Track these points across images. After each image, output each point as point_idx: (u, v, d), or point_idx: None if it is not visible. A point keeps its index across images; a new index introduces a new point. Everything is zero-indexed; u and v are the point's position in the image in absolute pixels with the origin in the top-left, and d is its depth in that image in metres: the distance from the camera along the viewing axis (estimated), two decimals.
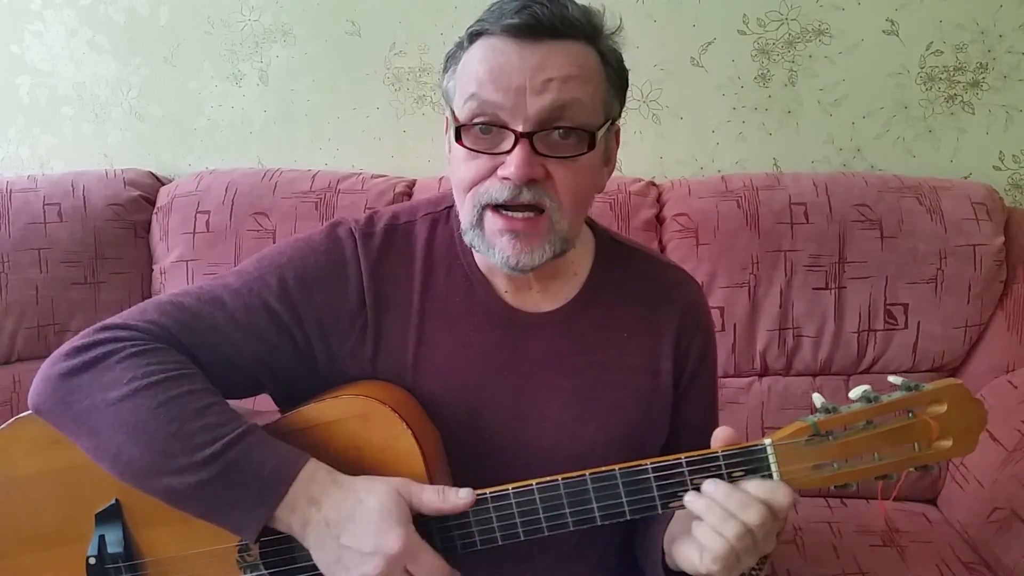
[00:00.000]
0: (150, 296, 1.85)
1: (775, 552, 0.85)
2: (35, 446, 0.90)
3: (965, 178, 1.85)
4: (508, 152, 0.84)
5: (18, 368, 1.80)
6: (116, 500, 0.90)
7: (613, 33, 0.91)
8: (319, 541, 0.82)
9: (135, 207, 1.87)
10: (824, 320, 1.68)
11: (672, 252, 1.70)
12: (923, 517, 1.57)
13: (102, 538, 0.89)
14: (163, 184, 1.94)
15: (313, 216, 1.77)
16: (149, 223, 1.88)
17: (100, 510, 0.90)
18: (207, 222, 1.79)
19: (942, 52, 1.82)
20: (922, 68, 1.83)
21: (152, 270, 1.87)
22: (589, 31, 0.87)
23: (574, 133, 0.86)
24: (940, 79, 1.83)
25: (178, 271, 1.80)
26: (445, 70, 0.92)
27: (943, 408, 0.82)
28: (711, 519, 0.79)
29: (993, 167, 1.87)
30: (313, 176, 1.85)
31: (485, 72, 0.84)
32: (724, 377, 1.72)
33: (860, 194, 1.69)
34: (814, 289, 1.68)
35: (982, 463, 1.51)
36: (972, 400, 0.83)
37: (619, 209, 1.73)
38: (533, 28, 0.83)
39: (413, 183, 1.86)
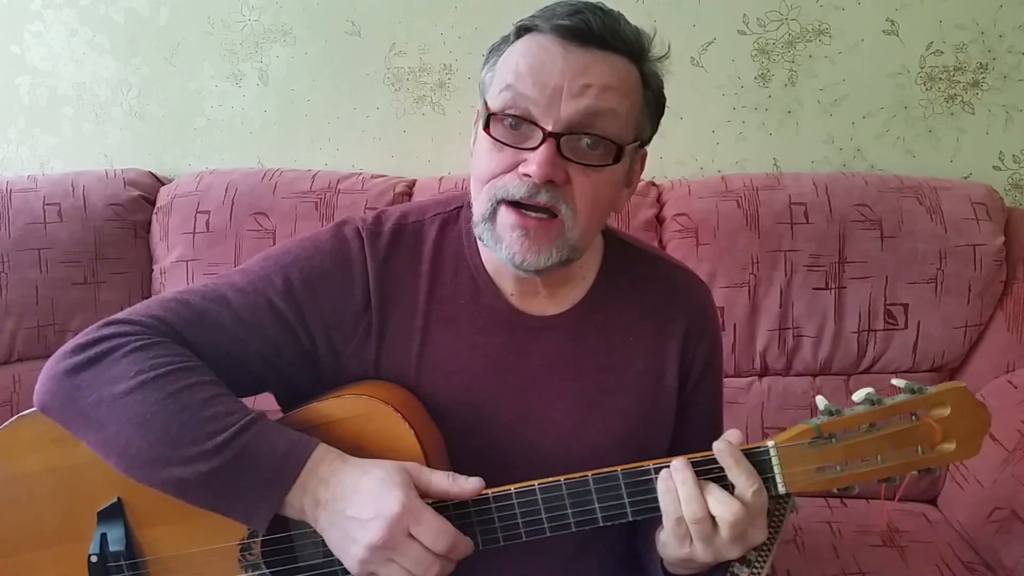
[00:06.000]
0: (150, 296, 1.85)
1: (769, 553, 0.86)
2: (37, 444, 0.90)
3: (965, 178, 1.85)
4: (533, 149, 0.84)
5: (18, 368, 1.79)
6: (118, 498, 0.89)
7: (660, 59, 0.91)
8: (329, 519, 0.81)
9: (135, 207, 1.87)
10: (824, 320, 1.68)
11: (672, 252, 1.70)
12: (923, 517, 1.57)
13: (104, 536, 0.89)
14: (163, 184, 1.94)
15: (313, 216, 1.77)
16: (149, 223, 1.88)
17: (102, 508, 0.90)
18: (207, 222, 1.79)
19: (942, 52, 1.82)
20: (922, 68, 1.83)
21: (152, 270, 1.86)
22: (636, 50, 0.88)
23: (602, 144, 0.85)
24: (940, 79, 1.83)
25: (178, 271, 1.80)
26: (486, 62, 0.92)
27: (947, 411, 0.82)
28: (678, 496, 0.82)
29: (993, 167, 1.87)
30: (313, 176, 1.85)
31: (526, 66, 0.85)
32: (724, 377, 1.70)
33: (860, 194, 1.69)
34: (814, 289, 1.68)
35: (982, 463, 1.50)
36: (976, 403, 0.83)
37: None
38: (582, 33, 0.84)
39: (413, 183, 1.86)
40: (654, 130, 0.95)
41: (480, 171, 0.89)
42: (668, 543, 0.84)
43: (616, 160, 0.87)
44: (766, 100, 1.89)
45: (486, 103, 0.89)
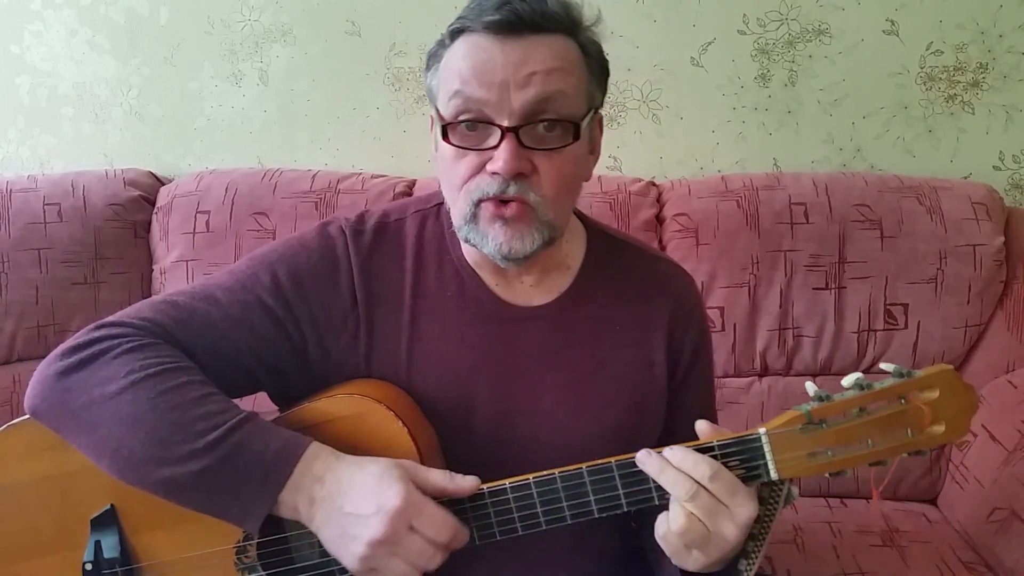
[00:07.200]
0: (150, 296, 1.85)
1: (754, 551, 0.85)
2: (28, 452, 0.90)
3: (965, 178, 1.85)
4: (495, 147, 0.85)
5: (18, 368, 1.80)
6: (111, 505, 0.89)
7: (592, 25, 0.92)
8: (325, 516, 0.81)
9: (135, 207, 1.87)
10: (824, 320, 1.68)
11: (672, 252, 1.70)
12: (923, 517, 1.57)
13: (98, 544, 0.89)
14: (163, 184, 1.94)
15: (313, 216, 1.77)
16: (149, 223, 1.88)
17: (95, 516, 0.89)
18: (207, 222, 1.79)
19: (942, 52, 1.81)
20: (922, 68, 1.83)
21: (152, 270, 1.87)
22: (568, 24, 0.88)
23: (559, 125, 0.87)
24: (940, 79, 1.83)
25: (178, 271, 1.80)
26: (427, 68, 0.94)
27: (935, 394, 0.83)
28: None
29: (993, 167, 1.86)
30: (313, 176, 1.85)
31: (468, 69, 0.85)
32: (724, 377, 1.72)
33: (860, 194, 1.69)
34: (814, 289, 1.68)
35: (982, 463, 1.50)
36: (963, 385, 0.83)
37: (619, 209, 1.73)
38: (513, 24, 0.84)
39: (413, 183, 1.86)
40: (604, 93, 0.96)
41: (451, 179, 0.91)
42: (680, 555, 0.83)
43: (576, 138, 0.88)
44: (766, 100, 1.88)
45: (438, 111, 0.90)
